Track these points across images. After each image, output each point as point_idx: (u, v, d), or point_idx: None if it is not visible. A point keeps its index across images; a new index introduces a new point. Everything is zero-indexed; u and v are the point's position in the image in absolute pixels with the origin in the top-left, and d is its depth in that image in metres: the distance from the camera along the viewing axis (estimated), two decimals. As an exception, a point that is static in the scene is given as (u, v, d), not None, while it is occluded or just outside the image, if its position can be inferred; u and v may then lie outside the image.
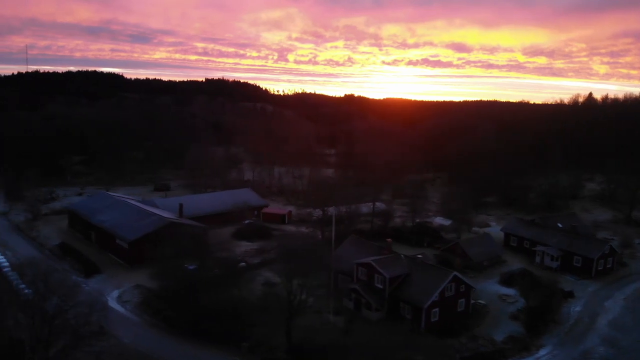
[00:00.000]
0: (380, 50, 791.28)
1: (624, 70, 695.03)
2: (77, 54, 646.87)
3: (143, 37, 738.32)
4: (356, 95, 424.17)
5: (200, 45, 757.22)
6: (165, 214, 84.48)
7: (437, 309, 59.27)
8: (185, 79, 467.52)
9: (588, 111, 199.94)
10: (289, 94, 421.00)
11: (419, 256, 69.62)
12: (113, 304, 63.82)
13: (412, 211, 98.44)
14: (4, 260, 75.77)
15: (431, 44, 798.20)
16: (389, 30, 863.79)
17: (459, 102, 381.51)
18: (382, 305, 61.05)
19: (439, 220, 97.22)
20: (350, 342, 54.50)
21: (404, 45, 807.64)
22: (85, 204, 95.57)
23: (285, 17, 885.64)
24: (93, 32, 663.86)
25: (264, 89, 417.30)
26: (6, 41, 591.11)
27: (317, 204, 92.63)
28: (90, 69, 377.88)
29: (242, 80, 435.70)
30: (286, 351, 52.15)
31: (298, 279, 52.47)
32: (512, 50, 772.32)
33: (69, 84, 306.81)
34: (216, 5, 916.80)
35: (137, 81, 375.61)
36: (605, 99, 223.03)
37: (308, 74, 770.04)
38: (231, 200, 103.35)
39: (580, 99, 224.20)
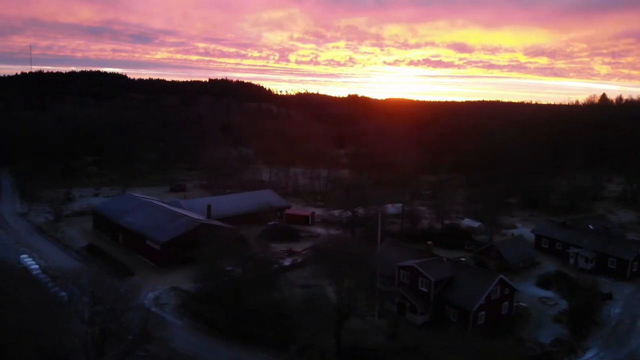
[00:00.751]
0: (382, 50, 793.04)
1: (625, 71, 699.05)
2: (79, 54, 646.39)
3: (144, 37, 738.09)
4: (359, 95, 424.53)
5: (201, 45, 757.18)
6: (194, 215, 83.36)
7: (483, 312, 58.55)
8: (189, 79, 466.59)
9: (602, 112, 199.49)
10: (292, 94, 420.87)
11: (462, 259, 68.83)
12: (150, 306, 62.64)
13: (439, 213, 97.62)
14: (33, 262, 74.25)
15: (433, 44, 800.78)
16: (391, 30, 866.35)
17: (462, 103, 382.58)
18: (427, 309, 60.24)
19: (467, 222, 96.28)
20: (399, 345, 53.66)
21: (405, 45, 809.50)
22: (110, 205, 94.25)
23: (286, 18, 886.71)
24: (94, 32, 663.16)
25: (267, 89, 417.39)
26: (7, 41, 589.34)
27: (346, 205, 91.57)
28: (93, 69, 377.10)
29: (245, 81, 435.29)
30: (336, 354, 51.33)
31: (348, 282, 51.66)
32: (513, 51, 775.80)
33: (72, 84, 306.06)
34: (218, 6, 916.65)
35: (141, 81, 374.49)
36: (619, 99, 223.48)
37: (309, 74, 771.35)
38: (254, 201, 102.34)
39: (595, 100, 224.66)
